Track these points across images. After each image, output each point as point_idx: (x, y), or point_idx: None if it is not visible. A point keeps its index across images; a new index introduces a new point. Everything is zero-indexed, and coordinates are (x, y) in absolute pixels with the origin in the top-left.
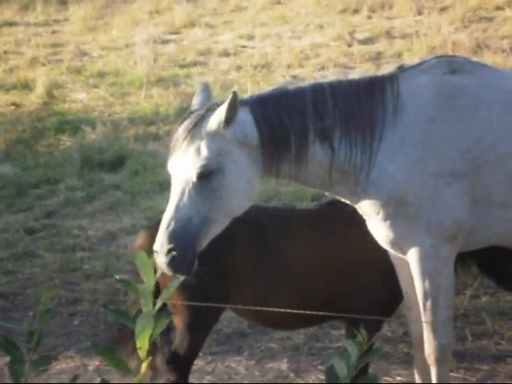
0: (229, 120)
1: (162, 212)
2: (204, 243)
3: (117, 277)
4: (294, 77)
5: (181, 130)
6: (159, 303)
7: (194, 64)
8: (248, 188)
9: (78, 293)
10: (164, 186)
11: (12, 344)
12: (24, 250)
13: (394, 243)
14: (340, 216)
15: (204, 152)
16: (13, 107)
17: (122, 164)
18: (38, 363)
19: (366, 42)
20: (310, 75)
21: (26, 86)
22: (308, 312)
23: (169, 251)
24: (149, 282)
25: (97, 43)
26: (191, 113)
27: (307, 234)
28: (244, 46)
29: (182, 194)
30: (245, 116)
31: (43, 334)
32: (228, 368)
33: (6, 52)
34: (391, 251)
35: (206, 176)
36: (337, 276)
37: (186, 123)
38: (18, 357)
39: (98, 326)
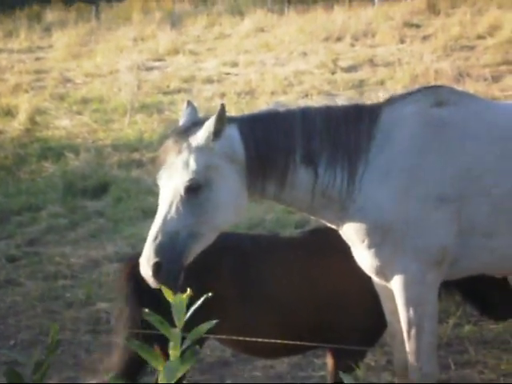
0: (217, 132)
1: (145, 239)
2: (191, 257)
3: (146, 310)
4: (277, 103)
5: (169, 144)
6: (187, 342)
7: (178, 91)
8: (235, 203)
9: (60, 321)
10: (148, 212)
11: (17, 375)
12: (5, 277)
13: (379, 271)
14: (323, 244)
15: (192, 165)
16: None
17: (106, 191)
18: None
19: (349, 69)
20: (293, 102)
21: (9, 113)
22: (291, 342)
23: (154, 264)
24: (180, 323)
25: (81, 70)
26: (179, 127)
27: (291, 262)
28: (228, 73)
29: (170, 206)
30: (234, 132)
31: (24, 363)
32: None
33: None
34: (375, 279)
35: (194, 189)
36: (320, 304)
37: (175, 137)
38: None
39: (79, 355)
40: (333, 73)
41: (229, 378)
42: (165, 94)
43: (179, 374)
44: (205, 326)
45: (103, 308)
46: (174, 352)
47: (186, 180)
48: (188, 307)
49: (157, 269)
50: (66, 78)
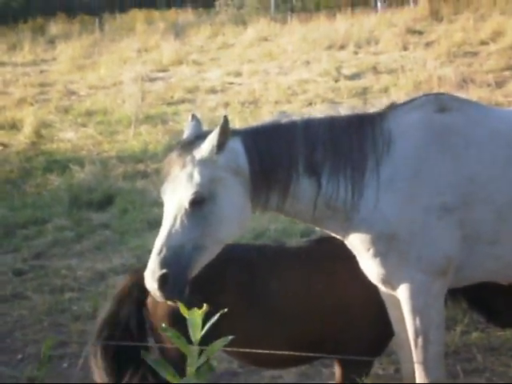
0: (221, 145)
1: (151, 251)
2: (196, 270)
3: (163, 325)
4: (282, 112)
5: (173, 157)
6: (203, 358)
7: (182, 101)
8: (239, 216)
9: (67, 335)
10: (153, 224)
11: None
12: (12, 291)
13: (385, 280)
14: (329, 253)
15: (197, 178)
16: (0, 147)
17: (111, 203)
18: None
19: (352, 77)
20: (297, 111)
21: (14, 126)
22: (298, 353)
23: (161, 277)
24: (196, 339)
25: (85, 82)
26: (183, 140)
27: (296, 272)
28: (231, 83)
29: (174, 220)
30: (237, 146)
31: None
32: None
33: None
34: (382, 288)
35: (198, 203)
36: (327, 313)
37: (179, 150)
38: None
39: (87, 368)
40: (336, 81)
41: None
42: (169, 104)
43: None
44: (220, 342)
45: None
46: (191, 367)
47: (191, 193)
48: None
49: (163, 281)
50: (71, 91)
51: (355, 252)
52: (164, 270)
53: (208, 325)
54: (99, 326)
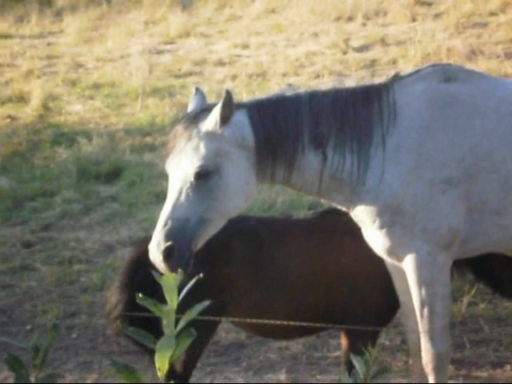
0: (225, 119)
1: None
2: (200, 243)
3: (140, 295)
4: (290, 85)
5: (179, 130)
6: (182, 323)
7: (190, 74)
8: (245, 189)
9: (76, 306)
10: (161, 196)
11: (18, 362)
12: (21, 263)
13: (391, 251)
14: (336, 225)
15: (202, 151)
16: (8, 120)
17: (119, 175)
18: (44, 381)
19: (360, 49)
20: (305, 83)
21: (22, 99)
22: (304, 324)
23: (166, 249)
24: (172, 303)
25: (92, 55)
26: (189, 113)
27: (303, 244)
28: (239, 55)
29: (180, 193)
30: (243, 118)
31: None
32: (226, 379)
33: (1, 65)
34: (387, 260)
35: (204, 176)
36: (333, 285)
37: (184, 123)
38: (23, 375)
39: (96, 338)
40: (344, 53)
41: (244, 360)
42: (176, 77)
43: (176, 353)
44: (197, 308)
45: None
46: (167, 330)
47: (196, 166)
48: (201, 293)
49: (168, 253)
50: (78, 63)
51: (360, 224)
52: (169, 243)
53: (185, 290)
54: (112, 301)
